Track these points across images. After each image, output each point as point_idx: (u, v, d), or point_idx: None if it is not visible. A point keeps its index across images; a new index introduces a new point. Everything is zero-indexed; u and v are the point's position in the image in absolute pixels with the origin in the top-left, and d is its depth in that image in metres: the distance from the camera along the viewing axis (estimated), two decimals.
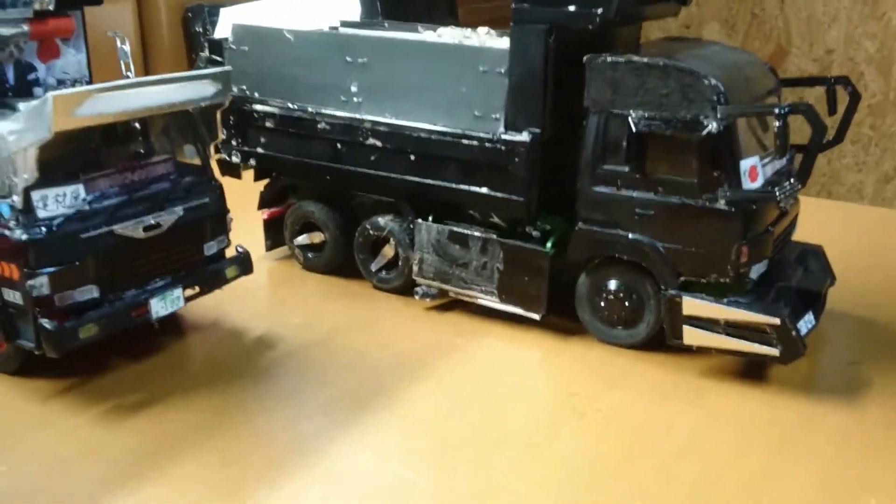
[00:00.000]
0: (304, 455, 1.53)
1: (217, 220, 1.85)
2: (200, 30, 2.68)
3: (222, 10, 2.59)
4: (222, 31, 2.45)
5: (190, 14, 2.70)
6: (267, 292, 2.23)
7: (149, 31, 3.19)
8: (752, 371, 1.80)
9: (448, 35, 2.08)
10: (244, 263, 1.92)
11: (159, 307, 1.72)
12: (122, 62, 1.87)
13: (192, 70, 2.36)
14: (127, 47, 1.84)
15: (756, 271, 1.78)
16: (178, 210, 1.74)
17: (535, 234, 1.96)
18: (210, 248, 1.84)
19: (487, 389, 1.76)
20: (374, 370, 1.81)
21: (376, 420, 1.64)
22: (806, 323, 1.80)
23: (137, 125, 1.78)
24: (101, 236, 1.62)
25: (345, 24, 2.38)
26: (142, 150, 1.79)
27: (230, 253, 1.92)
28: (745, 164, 1.69)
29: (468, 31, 2.12)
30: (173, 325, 1.95)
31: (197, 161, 1.85)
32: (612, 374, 1.81)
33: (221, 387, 1.74)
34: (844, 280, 2.05)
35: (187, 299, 1.80)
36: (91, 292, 1.63)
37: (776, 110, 1.60)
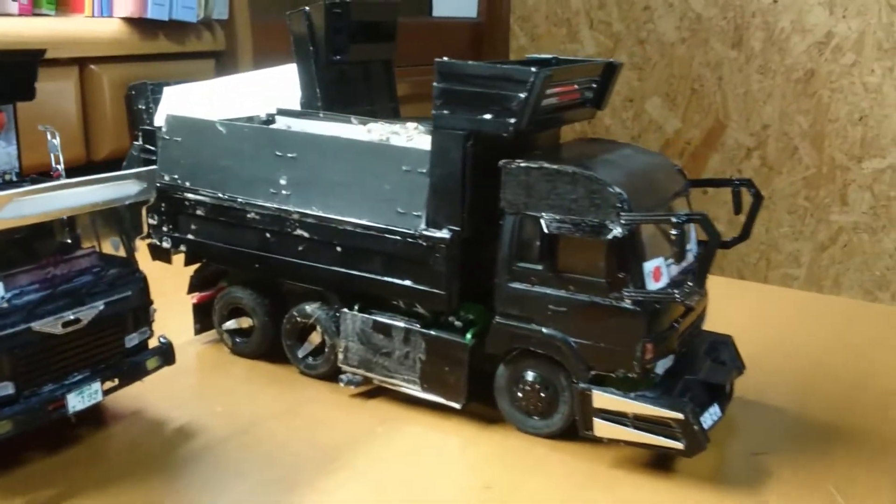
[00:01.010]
0: None
1: (139, 311, 1.87)
2: (143, 107, 2.73)
3: (165, 89, 2.65)
4: (164, 109, 2.50)
5: (133, 92, 2.75)
6: (193, 378, 2.25)
7: (91, 108, 3.24)
8: (662, 461, 1.86)
9: (377, 131, 2.16)
10: (166, 354, 1.94)
11: (76, 401, 1.72)
12: (52, 155, 1.90)
13: (127, 156, 2.42)
14: (57, 141, 1.89)
15: (662, 366, 1.86)
16: (99, 304, 1.76)
17: (458, 324, 2.02)
18: (132, 340, 1.86)
19: (404, 480, 1.79)
20: (292, 461, 1.83)
21: None
22: (711, 415, 1.87)
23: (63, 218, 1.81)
24: (19, 333, 1.63)
25: (281, 112, 2.45)
26: (66, 243, 1.82)
27: (154, 342, 1.94)
28: (649, 266, 1.78)
29: (398, 125, 2.20)
30: (92, 414, 1.94)
31: (122, 253, 1.88)
32: (528, 463, 1.86)
33: (139, 481, 1.74)
34: (759, 367, 2.12)
35: (106, 392, 1.80)
36: (6, 389, 1.63)
37: (673, 219, 1.70)
